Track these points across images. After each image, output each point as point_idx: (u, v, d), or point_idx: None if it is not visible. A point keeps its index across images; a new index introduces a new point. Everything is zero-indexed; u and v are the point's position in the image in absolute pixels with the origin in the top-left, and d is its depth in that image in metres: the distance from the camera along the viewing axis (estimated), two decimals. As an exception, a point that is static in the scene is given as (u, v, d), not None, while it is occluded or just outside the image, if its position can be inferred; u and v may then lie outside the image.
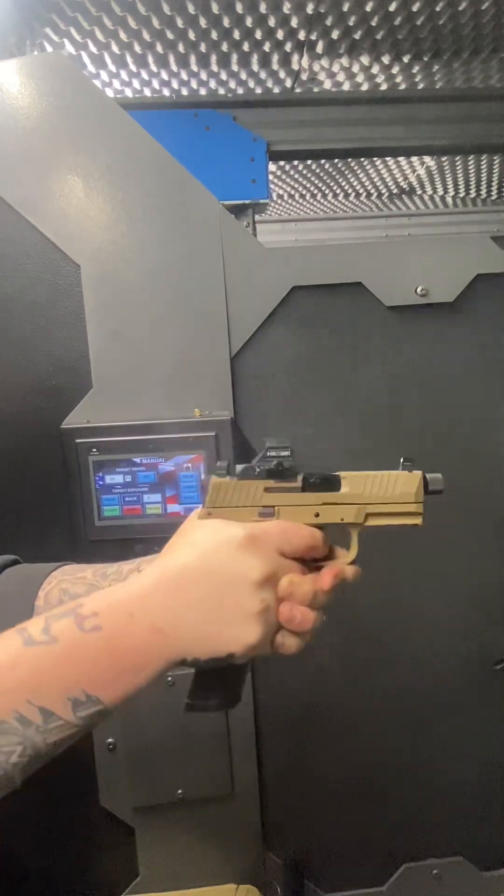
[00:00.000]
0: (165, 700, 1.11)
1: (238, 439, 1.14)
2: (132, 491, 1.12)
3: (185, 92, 2.04)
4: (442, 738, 1.28)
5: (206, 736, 1.17)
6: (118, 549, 1.04)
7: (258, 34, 1.72)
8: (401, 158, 2.66)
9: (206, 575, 0.50)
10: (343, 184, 2.94)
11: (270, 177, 2.53)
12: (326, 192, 3.04)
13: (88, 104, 1.11)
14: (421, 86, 2.11)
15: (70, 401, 1.12)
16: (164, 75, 1.93)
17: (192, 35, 1.71)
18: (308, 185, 2.93)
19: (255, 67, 1.91)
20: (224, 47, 1.78)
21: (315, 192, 3.02)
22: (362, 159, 2.60)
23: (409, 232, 3.37)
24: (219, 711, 0.55)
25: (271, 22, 1.67)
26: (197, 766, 1.17)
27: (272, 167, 2.60)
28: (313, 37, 1.75)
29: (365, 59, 1.90)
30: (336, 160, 2.59)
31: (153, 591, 0.49)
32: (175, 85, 2.00)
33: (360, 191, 3.07)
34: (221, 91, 2.05)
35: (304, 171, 2.74)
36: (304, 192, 3.01)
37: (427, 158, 2.68)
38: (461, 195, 3.22)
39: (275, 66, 1.91)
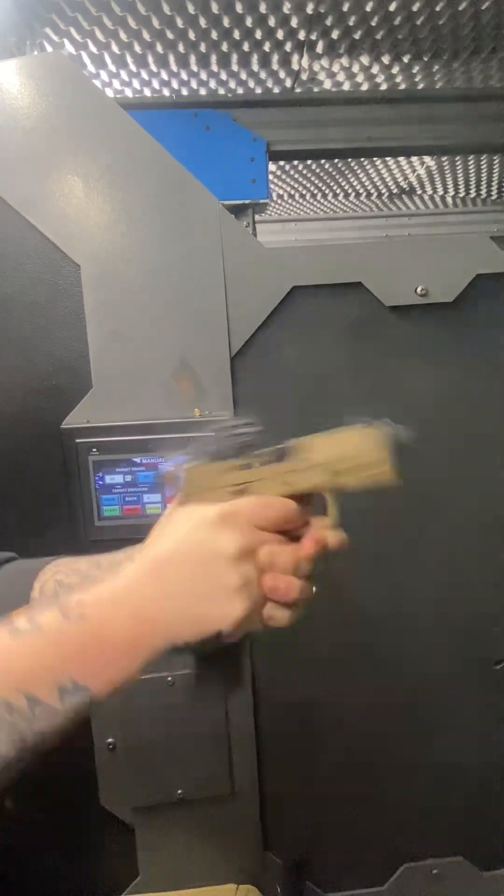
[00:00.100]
0: (165, 700, 1.11)
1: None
2: (132, 491, 1.12)
3: (185, 92, 2.04)
4: (442, 737, 1.28)
5: (206, 736, 1.17)
6: (118, 549, 1.04)
7: (258, 34, 1.72)
8: (401, 158, 2.66)
9: (185, 557, 0.51)
10: (343, 184, 2.94)
11: (270, 177, 2.53)
12: (326, 192, 3.04)
13: (88, 104, 1.11)
14: (421, 86, 2.11)
15: (70, 401, 1.12)
16: (164, 75, 1.93)
17: (192, 35, 1.71)
18: (308, 185, 2.93)
19: (255, 67, 1.91)
20: (224, 47, 1.78)
21: (315, 192, 3.02)
22: (362, 159, 2.60)
23: (409, 232, 3.37)
24: (225, 695, 0.55)
25: (271, 22, 1.67)
26: (197, 766, 1.17)
27: (272, 167, 2.60)
28: (313, 37, 1.75)
29: (365, 59, 1.90)
30: (336, 160, 2.59)
31: (136, 580, 0.50)
32: (175, 85, 2.00)
33: (361, 191, 3.07)
34: (221, 91, 2.05)
35: (304, 171, 2.74)
36: (304, 192, 3.01)
37: (427, 158, 2.68)
38: (461, 195, 3.22)
39: (275, 66, 1.91)
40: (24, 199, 1.10)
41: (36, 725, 0.47)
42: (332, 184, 2.93)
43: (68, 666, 0.48)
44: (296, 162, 2.60)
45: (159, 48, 1.77)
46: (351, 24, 1.69)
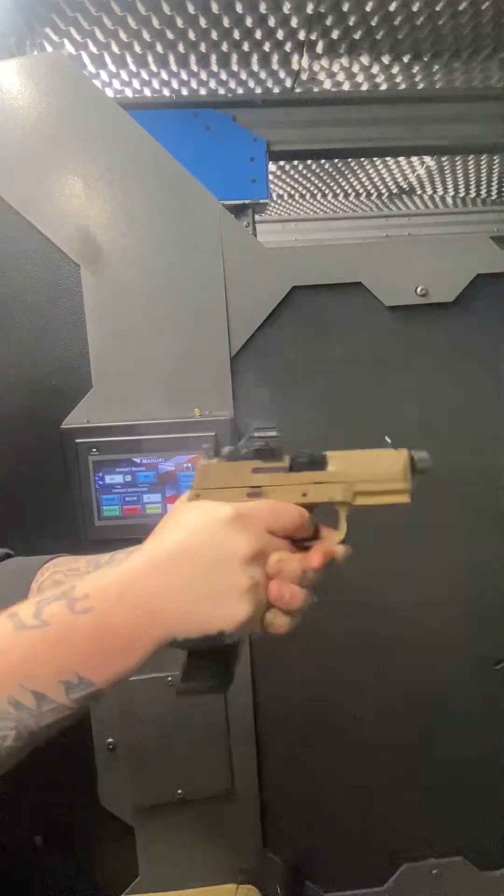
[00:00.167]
0: (165, 700, 1.11)
1: (238, 439, 1.14)
2: (132, 491, 1.12)
3: (185, 92, 2.04)
4: (442, 737, 1.28)
5: (206, 736, 1.17)
6: (118, 549, 1.04)
7: (258, 34, 1.72)
8: (401, 158, 2.66)
9: (195, 554, 0.50)
10: (343, 184, 2.94)
11: (270, 177, 2.53)
12: (326, 192, 3.04)
13: (88, 104, 1.11)
14: (421, 86, 2.11)
15: (70, 401, 1.12)
16: (164, 75, 1.93)
17: (192, 35, 1.71)
18: (308, 185, 2.93)
19: (255, 67, 1.91)
20: (224, 47, 1.78)
21: (315, 192, 3.02)
22: (362, 159, 2.60)
23: (409, 232, 3.36)
24: (211, 693, 0.54)
25: (271, 22, 1.67)
26: (197, 766, 1.17)
27: (272, 167, 2.60)
28: (313, 37, 1.75)
29: (365, 59, 1.90)
30: (336, 160, 2.59)
31: (143, 573, 0.50)
32: (175, 85, 2.00)
33: (360, 191, 3.06)
34: (221, 91, 2.05)
35: (304, 171, 2.74)
36: (304, 192, 3.00)
37: (427, 158, 2.68)
38: (461, 195, 3.22)
39: (275, 66, 1.91)
40: (24, 199, 1.10)
41: (42, 720, 0.47)
42: (331, 184, 2.93)
43: (74, 661, 0.47)
44: (296, 162, 2.60)
45: (159, 48, 1.77)
46: (351, 24, 1.69)
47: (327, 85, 2.05)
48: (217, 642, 0.51)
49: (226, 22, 1.65)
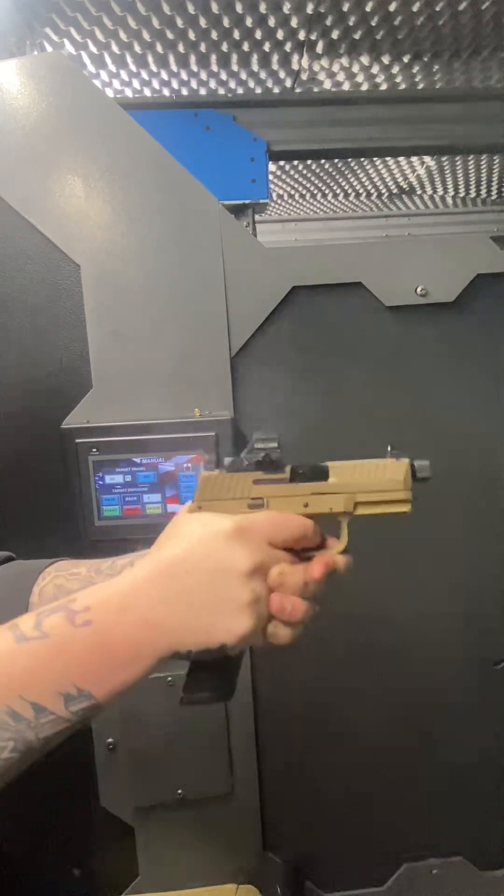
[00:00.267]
0: (165, 700, 1.11)
1: (238, 439, 1.14)
2: (132, 491, 1.12)
3: (185, 92, 2.04)
4: (442, 737, 1.28)
5: (206, 736, 1.17)
6: (118, 549, 1.04)
7: (258, 34, 1.72)
8: (401, 158, 2.66)
9: (196, 567, 0.50)
10: (343, 184, 2.94)
11: (270, 177, 2.52)
12: (326, 192, 3.04)
13: (88, 104, 1.11)
14: (421, 86, 2.11)
15: (70, 401, 1.12)
16: (164, 75, 1.93)
17: (192, 35, 1.71)
18: (308, 185, 2.92)
19: (255, 67, 1.91)
20: (224, 47, 1.78)
21: (315, 192, 3.02)
22: (362, 159, 2.59)
23: (409, 232, 3.36)
24: (213, 704, 0.55)
25: (271, 22, 1.66)
26: (197, 766, 1.17)
27: (272, 167, 2.59)
28: (313, 37, 1.75)
29: (365, 59, 1.90)
30: (336, 160, 2.59)
31: (144, 585, 0.50)
32: (175, 85, 2.00)
33: (360, 191, 3.06)
34: (221, 91, 2.04)
35: (304, 171, 2.74)
36: (304, 192, 3.00)
37: (427, 158, 2.68)
38: (461, 195, 3.22)
39: (275, 66, 1.91)
40: (24, 199, 1.10)
41: (41, 732, 0.47)
42: (331, 184, 2.93)
43: (74, 673, 0.47)
44: (296, 162, 2.59)
45: (159, 48, 1.76)
46: (351, 24, 1.69)
47: (327, 85, 2.05)
48: (219, 655, 0.51)
49: (226, 22, 1.65)
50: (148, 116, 1.85)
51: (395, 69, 1.97)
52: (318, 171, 2.75)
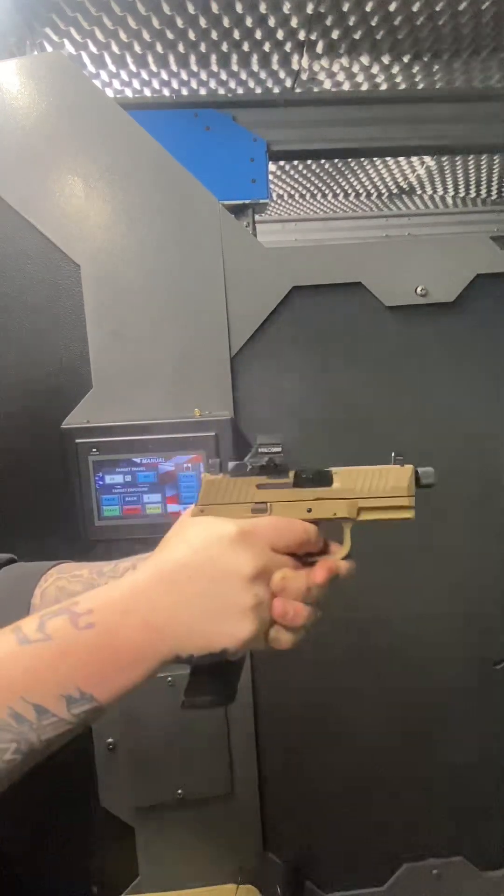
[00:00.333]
0: (165, 700, 1.11)
1: (238, 439, 1.14)
2: (132, 491, 1.12)
3: (185, 92, 2.04)
4: (442, 737, 1.28)
5: (206, 736, 1.17)
6: (118, 549, 1.04)
7: (258, 34, 1.72)
8: (401, 158, 2.66)
9: (199, 571, 0.50)
10: (343, 184, 2.94)
11: (270, 177, 2.52)
12: (326, 192, 3.04)
13: (88, 104, 1.11)
14: (421, 86, 2.11)
15: (70, 401, 1.12)
16: (164, 75, 1.93)
17: (192, 35, 1.71)
18: (308, 185, 2.92)
19: (255, 67, 1.91)
20: (224, 47, 1.78)
21: (315, 192, 3.02)
22: (362, 159, 2.59)
23: (409, 232, 3.36)
24: (214, 708, 0.55)
25: (271, 22, 1.66)
26: (197, 766, 1.17)
27: (272, 167, 2.59)
28: (313, 37, 1.75)
29: (365, 59, 1.90)
30: (336, 160, 2.59)
31: (147, 589, 0.50)
32: (175, 85, 2.00)
33: (360, 191, 3.06)
34: (221, 91, 2.04)
35: (304, 171, 2.74)
36: (304, 192, 3.00)
37: (427, 158, 2.68)
38: (461, 195, 3.22)
39: (275, 66, 1.91)
40: (24, 199, 1.10)
41: (43, 734, 0.47)
42: (331, 184, 2.93)
43: (76, 675, 0.47)
44: (296, 162, 2.59)
45: (159, 48, 1.76)
46: (351, 24, 1.69)
47: (327, 85, 2.05)
48: (220, 659, 0.51)
49: (226, 22, 1.65)
50: (148, 116, 1.85)
51: (395, 69, 1.97)
52: (318, 171, 2.75)
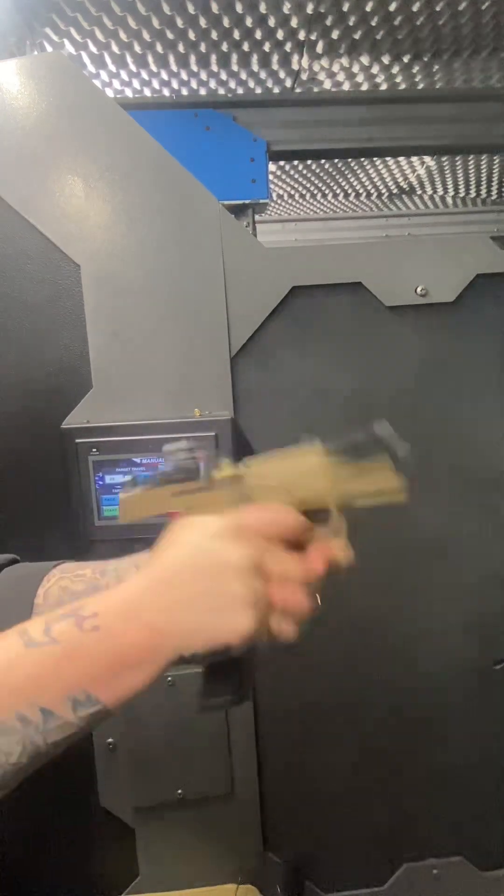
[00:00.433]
0: (165, 700, 1.11)
1: (238, 439, 1.14)
2: (132, 491, 1.11)
3: (185, 92, 2.04)
4: (442, 737, 1.28)
5: (206, 736, 1.17)
6: (118, 549, 1.04)
7: (258, 34, 1.72)
8: (401, 158, 2.66)
9: (195, 569, 0.51)
10: (343, 184, 2.94)
11: (270, 177, 2.52)
12: (326, 192, 3.04)
13: (88, 104, 1.11)
14: (421, 86, 2.11)
15: (70, 401, 1.12)
16: (164, 75, 1.93)
17: (192, 35, 1.71)
18: (308, 185, 2.93)
19: (255, 67, 1.91)
20: (224, 47, 1.78)
21: (315, 192, 3.02)
22: (362, 159, 2.60)
23: (409, 232, 3.36)
24: (231, 707, 0.55)
25: (271, 22, 1.66)
26: (197, 766, 1.17)
27: (272, 167, 2.59)
28: (313, 37, 1.75)
29: (365, 59, 1.90)
30: (336, 160, 2.59)
31: (146, 592, 0.50)
32: (175, 85, 1.99)
33: (360, 191, 3.06)
34: (221, 91, 2.04)
35: (304, 171, 2.74)
36: (304, 192, 3.00)
37: (427, 158, 2.68)
38: (461, 195, 3.22)
39: (275, 66, 1.91)
40: (24, 199, 1.10)
41: (49, 737, 0.47)
42: (331, 184, 2.93)
43: (82, 678, 0.48)
44: (296, 162, 2.59)
45: (159, 48, 1.76)
46: (351, 24, 1.69)
47: (327, 85, 2.05)
48: (225, 655, 0.51)
49: (226, 22, 1.65)
50: (148, 116, 1.85)
51: (395, 69, 1.97)
52: (318, 171, 2.75)
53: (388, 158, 2.64)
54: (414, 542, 1.21)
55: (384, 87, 2.09)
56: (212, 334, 1.14)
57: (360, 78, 2.02)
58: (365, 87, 2.08)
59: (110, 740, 1.16)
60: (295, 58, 1.86)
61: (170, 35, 1.70)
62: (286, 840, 1.26)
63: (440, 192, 3.14)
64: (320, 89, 2.08)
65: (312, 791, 1.26)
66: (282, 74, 1.96)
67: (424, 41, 1.80)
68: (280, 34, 1.73)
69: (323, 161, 2.61)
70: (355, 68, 1.95)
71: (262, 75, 1.96)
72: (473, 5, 1.64)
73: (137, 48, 1.76)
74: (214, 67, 1.89)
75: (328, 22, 1.68)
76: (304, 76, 1.97)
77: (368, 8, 1.63)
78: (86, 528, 1.12)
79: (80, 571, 0.71)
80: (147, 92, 2.03)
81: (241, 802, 1.21)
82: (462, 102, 2.15)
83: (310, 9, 1.61)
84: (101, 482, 1.11)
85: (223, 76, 1.95)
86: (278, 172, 2.72)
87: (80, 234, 1.11)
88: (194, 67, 1.88)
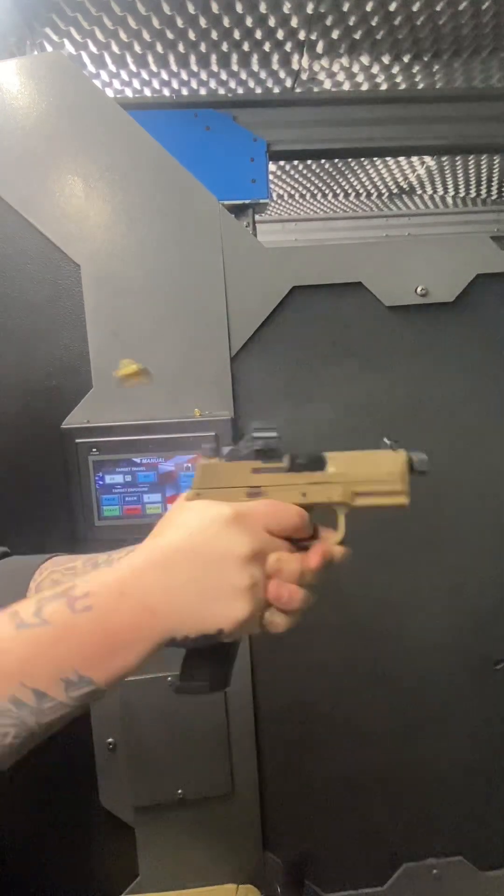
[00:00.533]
0: (165, 700, 1.11)
1: (238, 439, 1.14)
2: (132, 491, 1.12)
3: (185, 92, 2.04)
4: (442, 737, 1.28)
5: (206, 736, 1.17)
6: (117, 548, 1.04)
7: (258, 34, 1.72)
8: (401, 158, 2.66)
9: (195, 552, 0.51)
10: (343, 184, 2.94)
11: (270, 177, 2.52)
12: (326, 192, 3.04)
13: (88, 104, 1.11)
14: (421, 86, 2.11)
15: (70, 401, 1.12)
16: (164, 75, 1.93)
17: (192, 35, 1.71)
18: (308, 185, 2.93)
19: (255, 67, 1.91)
20: (224, 47, 1.78)
21: (315, 192, 3.02)
22: (362, 159, 2.60)
23: (409, 232, 3.36)
24: (208, 693, 0.55)
25: (271, 22, 1.66)
26: (197, 766, 1.17)
27: (272, 167, 2.59)
28: (313, 37, 1.75)
29: (365, 59, 1.90)
30: (336, 160, 2.59)
31: (143, 571, 0.50)
32: (175, 85, 2.00)
33: (360, 191, 3.06)
34: (221, 91, 2.04)
35: (304, 171, 2.74)
36: (304, 192, 3.00)
37: (427, 158, 2.68)
38: (461, 195, 3.22)
39: (275, 66, 1.91)
40: (24, 199, 1.10)
41: (42, 718, 0.47)
42: (331, 184, 2.93)
43: (74, 659, 0.48)
44: (296, 162, 2.59)
45: (159, 48, 1.76)
46: (351, 24, 1.69)
47: (327, 85, 2.05)
48: (216, 641, 0.51)
49: (226, 22, 1.65)
50: (148, 116, 1.85)
51: (395, 69, 1.97)
52: (318, 171, 2.75)
53: (388, 158, 2.64)
54: (414, 541, 1.21)
55: (384, 87, 2.09)
56: (212, 334, 1.14)
57: (360, 78, 2.02)
58: (365, 87, 2.08)
59: (110, 740, 1.16)
60: (295, 58, 1.87)
61: (170, 35, 1.70)
62: (286, 840, 1.26)
63: (440, 192, 3.14)
64: (320, 89, 2.08)
65: (312, 791, 1.26)
66: (282, 74, 1.96)
67: (424, 41, 1.80)
68: (280, 34, 1.73)
69: (323, 161, 2.61)
70: (355, 68, 1.95)
71: (262, 75, 1.96)
72: (473, 5, 1.64)
73: (137, 48, 1.76)
74: (214, 67, 1.89)
75: (328, 22, 1.68)
76: (304, 76, 1.97)
77: (368, 8, 1.63)
78: (86, 528, 1.12)
79: (70, 564, 0.71)
80: (147, 92, 2.03)
81: (241, 802, 1.21)
82: (462, 102, 2.15)
83: (310, 9, 1.61)
84: (101, 482, 1.11)
85: (223, 76, 1.95)
86: (278, 172, 2.72)
87: (80, 234, 1.11)
88: (194, 67, 1.88)
